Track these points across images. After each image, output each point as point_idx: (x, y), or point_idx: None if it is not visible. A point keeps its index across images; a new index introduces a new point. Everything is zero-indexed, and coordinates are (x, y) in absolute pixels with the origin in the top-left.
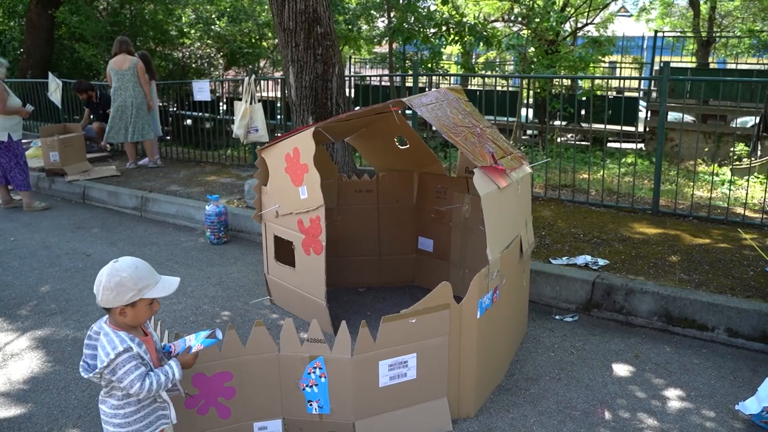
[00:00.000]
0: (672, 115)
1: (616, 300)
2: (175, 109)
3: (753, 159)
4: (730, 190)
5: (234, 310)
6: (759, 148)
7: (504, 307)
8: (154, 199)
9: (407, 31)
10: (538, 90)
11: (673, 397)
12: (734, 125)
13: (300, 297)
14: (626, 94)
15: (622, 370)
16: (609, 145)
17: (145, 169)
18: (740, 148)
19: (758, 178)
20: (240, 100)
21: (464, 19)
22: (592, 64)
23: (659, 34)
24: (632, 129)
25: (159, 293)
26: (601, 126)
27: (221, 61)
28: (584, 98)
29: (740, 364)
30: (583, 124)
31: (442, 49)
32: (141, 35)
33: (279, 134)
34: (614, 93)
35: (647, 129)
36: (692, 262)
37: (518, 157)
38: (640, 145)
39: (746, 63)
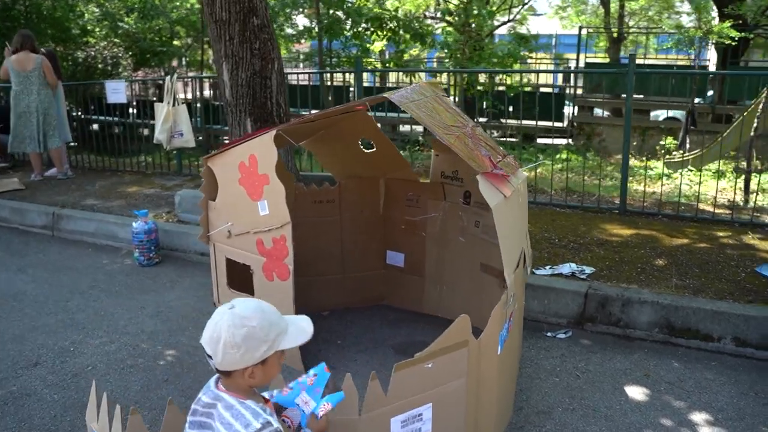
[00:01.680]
0: (595, 110)
1: (612, 312)
2: (80, 113)
3: (682, 152)
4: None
5: (179, 348)
6: (687, 141)
7: (515, 335)
8: (68, 216)
9: (340, 28)
10: (467, 86)
11: (701, 423)
12: (655, 118)
13: None
14: (546, 90)
15: (636, 393)
16: (538, 141)
17: (53, 181)
18: (669, 141)
19: (691, 170)
20: (161, 101)
21: (398, 15)
22: (519, 60)
23: (584, 31)
24: (561, 125)
25: (295, 341)
26: (530, 122)
27: (129, 61)
28: (512, 94)
29: (755, 377)
30: (510, 121)
31: (369, 46)
32: (38, 33)
33: (226, 140)
34: (540, 89)
35: (574, 124)
36: (680, 265)
37: (512, 161)
38: (568, 141)
39: (655, 59)
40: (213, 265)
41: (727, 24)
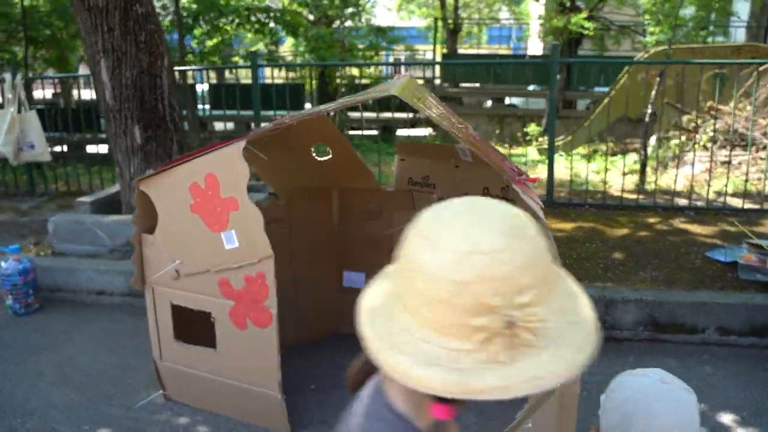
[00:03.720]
0: (466, 100)
1: (597, 314)
2: None
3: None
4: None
5: (114, 424)
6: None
7: None
8: None
9: (209, 21)
10: (329, 80)
11: (731, 423)
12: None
13: (226, 388)
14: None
15: None
16: (398, 132)
17: None
18: (532, 128)
19: (562, 155)
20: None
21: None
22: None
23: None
24: (421, 116)
25: None
26: (388, 114)
27: None
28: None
29: (748, 365)
30: (368, 114)
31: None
32: None
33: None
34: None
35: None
36: (638, 257)
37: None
38: (429, 131)
39: (486, 48)
40: (152, 313)
41: (582, 15)
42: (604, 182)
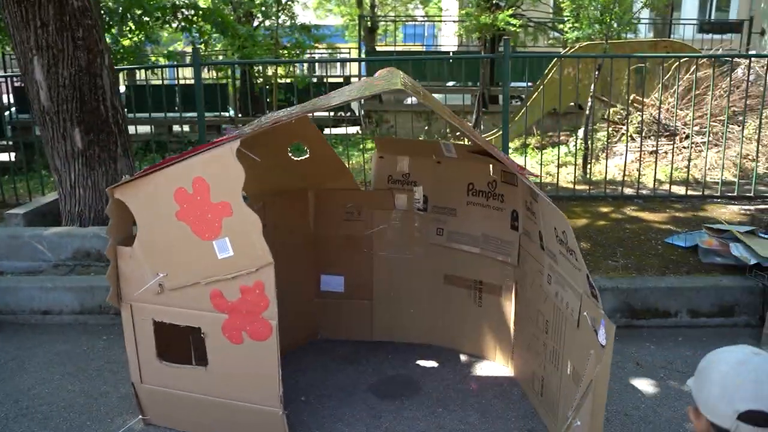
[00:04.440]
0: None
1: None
2: None
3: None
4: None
5: None
6: (481, 124)
7: None
8: None
9: (131, 19)
10: (255, 79)
11: None
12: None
13: (218, 408)
14: (334, 80)
15: (644, 385)
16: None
17: None
18: None
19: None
20: None
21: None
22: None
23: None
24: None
25: None
26: (321, 114)
27: None
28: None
29: (721, 344)
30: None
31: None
32: None
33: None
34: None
35: (363, 113)
36: (603, 246)
37: None
38: (357, 128)
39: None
40: (130, 333)
41: (508, 13)
42: (549, 174)
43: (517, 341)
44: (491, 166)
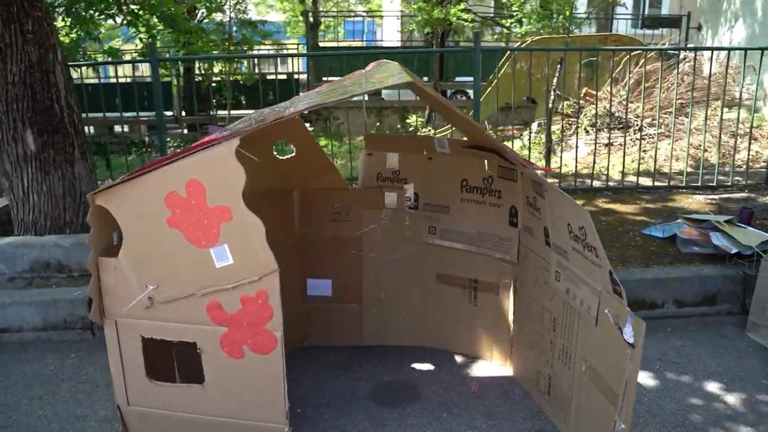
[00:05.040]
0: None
1: None
2: None
3: (430, 128)
4: None
5: None
6: (434, 117)
7: None
8: None
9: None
10: (203, 77)
11: (719, 391)
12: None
13: (216, 428)
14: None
15: (643, 379)
16: None
17: None
18: (414, 119)
19: None
20: None
21: None
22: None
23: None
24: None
25: None
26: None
27: None
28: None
29: (708, 333)
30: (248, 111)
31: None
32: None
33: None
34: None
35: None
36: None
37: None
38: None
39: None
40: (115, 352)
41: (460, 8)
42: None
43: (518, 339)
44: (486, 161)
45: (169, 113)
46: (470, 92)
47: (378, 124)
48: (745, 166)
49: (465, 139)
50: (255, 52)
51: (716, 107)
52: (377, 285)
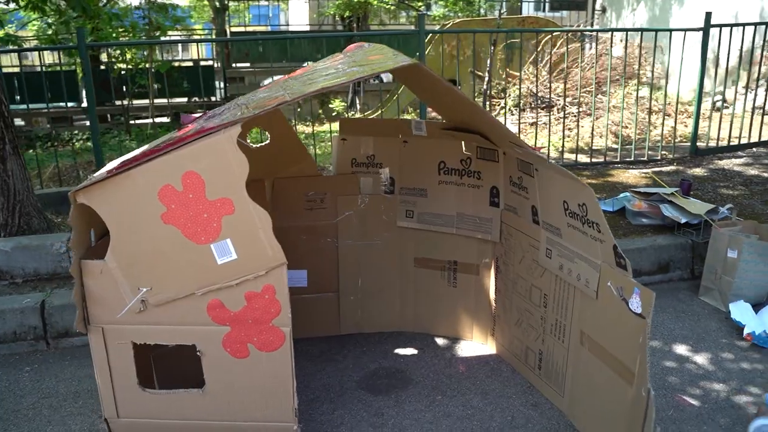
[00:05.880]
0: (267, 80)
1: None
2: None
3: (354, 112)
4: None
5: None
6: (357, 102)
7: None
8: None
9: None
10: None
11: (688, 353)
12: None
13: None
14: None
15: None
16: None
17: None
18: (337, 104)
19: None
20: None
21: None
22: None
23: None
24: (215, 99)
25: None
26: (181, 100)
27: None
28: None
29: (666, 299)
30: (160, 100)
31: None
32: None
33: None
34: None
35: (227, 97)
36: None
37: None
38: None
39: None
40: (102, 361)
41: None
42: None
43: (501, 318)
44: (463, 142)
45: (73, 104)
46: (384, 77)
47: (299, 110)
48: (672, 141)
49: (443, 121)
50: (169, 38)
51: (633, 86)
52: (354, 273)
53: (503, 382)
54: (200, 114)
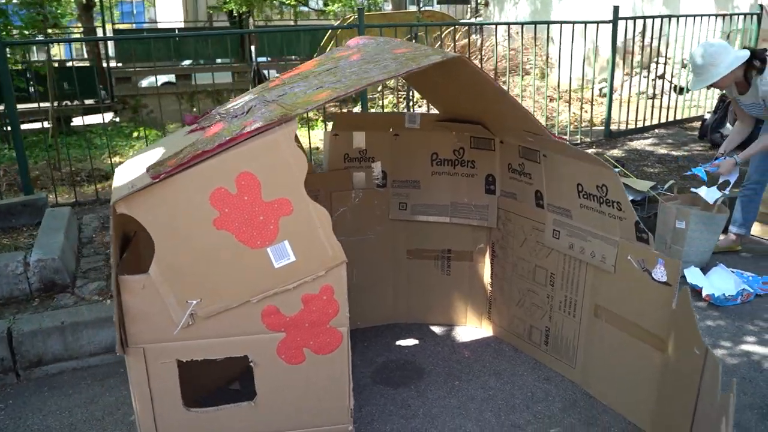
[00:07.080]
0: (145, 81)
1: None
2: None
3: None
4: None
5: None
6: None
7: None
8: None
9: None
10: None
11: None
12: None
13: None
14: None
15: None
16: (75, 123)
17: None
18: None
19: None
20: None
21: None
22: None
23: None
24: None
25: None
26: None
27: None
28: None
29: None
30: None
31: None
32: None
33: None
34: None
35: (116, 99)
36: None
37: None
38: (110, 116)
39: (120, 26)
40: (143, 384)
41: None
42: None
43: (498, 300)
44: (455, 133)
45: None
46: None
47: (194, 110)
48: (589, 126)
49: (437, 112)
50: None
51: (530, 77)
52: (348, 268)
53: (509, 361)
54: (202, 114)
